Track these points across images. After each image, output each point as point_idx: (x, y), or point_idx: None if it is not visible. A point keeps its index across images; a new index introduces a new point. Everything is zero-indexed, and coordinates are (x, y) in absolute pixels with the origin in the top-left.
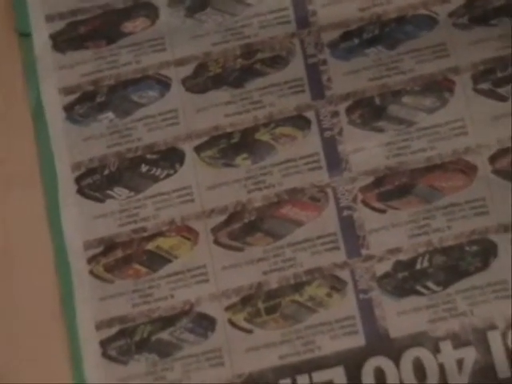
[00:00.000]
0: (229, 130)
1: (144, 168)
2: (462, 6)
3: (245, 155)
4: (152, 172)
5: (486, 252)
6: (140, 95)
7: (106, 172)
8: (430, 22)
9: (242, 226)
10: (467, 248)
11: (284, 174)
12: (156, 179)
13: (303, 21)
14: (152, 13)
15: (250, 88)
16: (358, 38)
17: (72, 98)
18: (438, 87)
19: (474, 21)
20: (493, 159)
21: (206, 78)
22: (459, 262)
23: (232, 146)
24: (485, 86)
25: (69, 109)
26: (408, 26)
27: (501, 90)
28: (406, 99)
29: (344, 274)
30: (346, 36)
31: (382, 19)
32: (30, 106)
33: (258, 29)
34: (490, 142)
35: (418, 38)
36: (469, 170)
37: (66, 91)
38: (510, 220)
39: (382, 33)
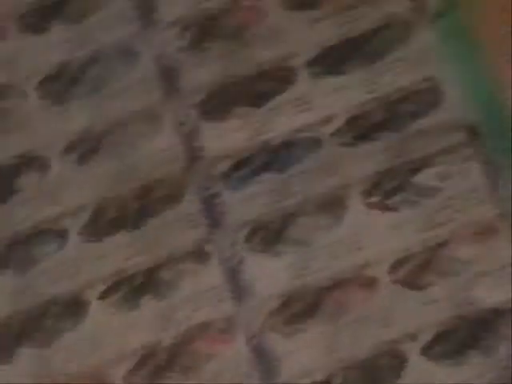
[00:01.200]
0: (131, 272)
1: (48, 323)
2: (344, 125)
3: (150, 295)
4: (57, 326)
5: (397, 362)
6: (40, 249)
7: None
8: (316, 143)
9: (154, 369)
10: (379, 360)
11: (191, 309)
12: (61, 331)
13: (193, 156)
14: (44, 166)
15: (147, 228)
16: (249, 166)
17: None
18: (332, 205)
19: (357, 138)
20: (392, 270)
21: (103, 223)
22: (373, 375)
23: (136, 288)
24: (375, 199)
25: None
26: (296, 150)
27: (391, 201)
28: (302, 220)
29: None
30: (237, 166)
31: (270, 146)
32: None
33: (150, 169)
34: (387, 254)
35: (307, 160)
36: (370, 284)
37: None
38: (416, 328)
39: (272, 159)
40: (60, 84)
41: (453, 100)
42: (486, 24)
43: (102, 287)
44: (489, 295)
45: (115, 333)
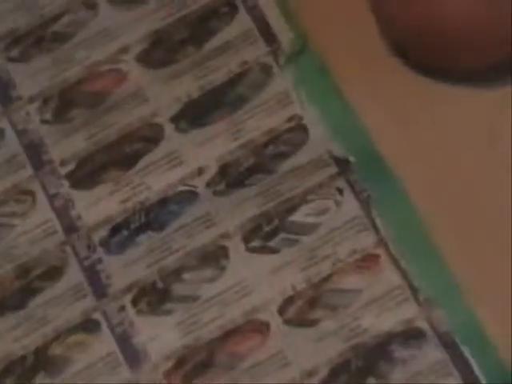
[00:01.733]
0: (21, 353)
1: None
2: (216, 175)
3: (43, 374)
4: None
5: None
6: None
7: None
8: (191, 195)
9: None
10: None
11: (88, 381)
12: None
13: (70, 227)
14: None
15: (32, 306)
16: (127, 229)
17: None
18: (214, 256)
19: (231, 185)
20: (281, 311)
21: None
22: None
23: (28, 369)
24: (256, 243)
25: None
26: (172, 206)
27: (271, 243)
28: (186, 276)
29: None
30: (115, 230)
31: (146, 205)
32: None
33: (28, 246)
34: (275, 295)
35: (184, 214)
36: (262, 328)
37: None
38: (311, 364)
39: (149, 218)
40: None
41: (318, 136)
42: (336, 62)
43: None
44: (379, 321)
45: None
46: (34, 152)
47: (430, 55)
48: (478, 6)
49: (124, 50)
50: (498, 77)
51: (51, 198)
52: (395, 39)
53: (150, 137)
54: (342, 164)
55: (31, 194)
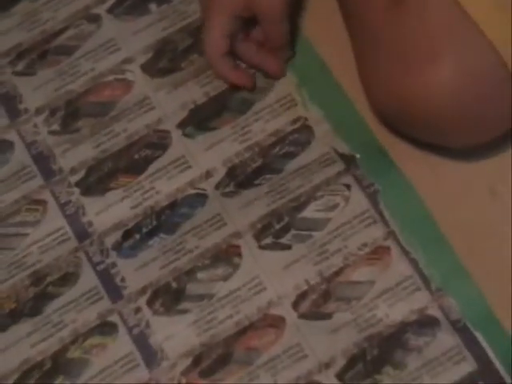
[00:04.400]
0: (39, 358)
1: None
2: (225, 177)
3: (61, 377)
4: None
5: None
6: None
7: None
8: (201, 198)
9: None
10: None
11: (107, 383)
12: None
13: (82, 233)
14: None
15: (48, 312)
16: (138, 233)
17: None
18: (226, 255)
19: (240, 186)
20: (295, 305)
21: (2, 316)
22: None
23: (46, 373)
24: (267, 240)
25: None
26: (182, 209)
27: (283, 240)
28: (200, 275)
29: None
30: (127, 235)
31: (156, 210)
32: None
33: (40, 254)
34: (289, 290)
35: (194, 216)
36: (277, 323)
37: None
38: (328, 356)
39: (160, 222)
40: None
41: (323, 135)
42: (337, 60)
43: (12, 379)
44: (392, 311)
45: None
46: (44, 162)
47: (418, 135)
48: (464, 86)
49: (129, 60)
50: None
51: (62, 206)
52: (381, 115)
53: (157, 143)
54: (348, 160)
55: (42, 203)
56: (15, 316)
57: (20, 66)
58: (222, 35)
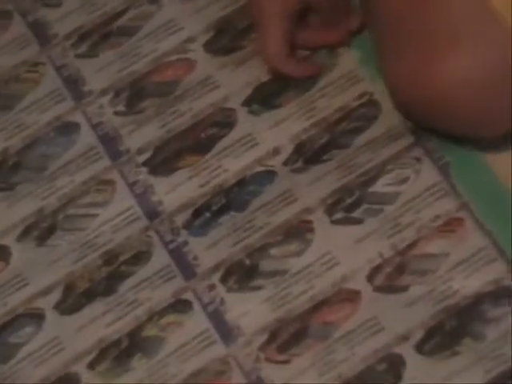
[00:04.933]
0: (115, 337)
1: None
2: (292, 153)
3: (139, 355)
4: None
5: (395, 365)
6: (17, 335)
7: None
8: (269, 175)
9: None
10: (377, 367)
11: (182, 361)
12: None
13: (152, 212)
14: (4, 254)
15: (122, 291)
16: (208, 211)
17: None
18: (298, 231)
19: (308, 162)
20: (370, 279)
21: (76, 296)
22: (375, 383)
23: (123, 351)
24: (339, 215)
25: None
26: (251, 186)
27: (354, 214)
28: (272, 251)
29: None
30: (197, 213)
31: (224, 188)
32: None
33: (111, 234)
34: (362, 264)
35: (264, 193)
36: (352, 296)
37: None
38: (405, 328)
39: (229, 199)
40: (2, 173)
41: (391, 109)
42: None
43: (89, 358)
44: (468, 282)
45: None
46: (110, 143)
47: (438, 125)
48: (484, 74)
49: (190, 39)
50: None
51: (131, 185)
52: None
53: (223, 121)
54: (418, 133)
55: (111, 183)
56: (89, 296)
57: (82, 49)
58: (282, 37)
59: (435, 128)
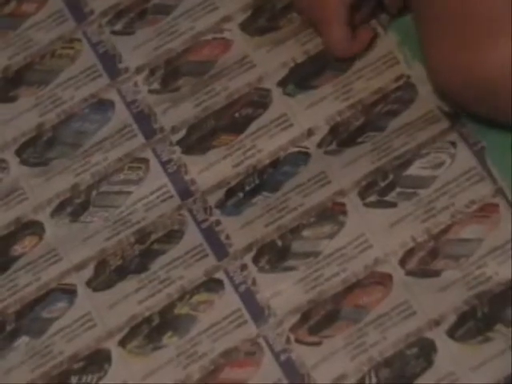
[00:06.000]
0: (147, 314)
1: (74, 379)
2: (327, 135)
3: (170, 333)
4: (83, 381)
5: (426, 350)
6: (49, 310)
7: None
8: (304, 156)
9: None
10: (408, 352)
11: (213, 340)
12: None
13: (185, 191)
14: (38, 229)
15: (154, 269)
16: (242, 191)
17: None
18: (331, 213)
19: (343, 144)
20: (402, 262)
21: (109, 273)
22: (405, 368)
23: (155, 328)
24: (372, 198)
25: None
26: (285, 167)
27: (388, 198)
28: (305, 233)
29: None
30: (230, 193)
31: (258, 168)
32: None
33: (145, 212)
34: (395, 248)
35: (298, 174)
36: (385, 280)
37: None
38: (438, 313)
39: (262, 180)
40: (37, 148)
41: (427, 93)
42: None
43: (120, 335)
44: (503, 269)
45: (141, 376)
46: (145, 121)
47: (478, 110)
48: None
49: (227, 19)
50: None
51: (164, 164)
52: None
53: (258, 101)
54: (453, 118)
55: (144, 161)
56: (122, 272)
57: (119, 26)
58: (345, 25)
59: (474, 112)
